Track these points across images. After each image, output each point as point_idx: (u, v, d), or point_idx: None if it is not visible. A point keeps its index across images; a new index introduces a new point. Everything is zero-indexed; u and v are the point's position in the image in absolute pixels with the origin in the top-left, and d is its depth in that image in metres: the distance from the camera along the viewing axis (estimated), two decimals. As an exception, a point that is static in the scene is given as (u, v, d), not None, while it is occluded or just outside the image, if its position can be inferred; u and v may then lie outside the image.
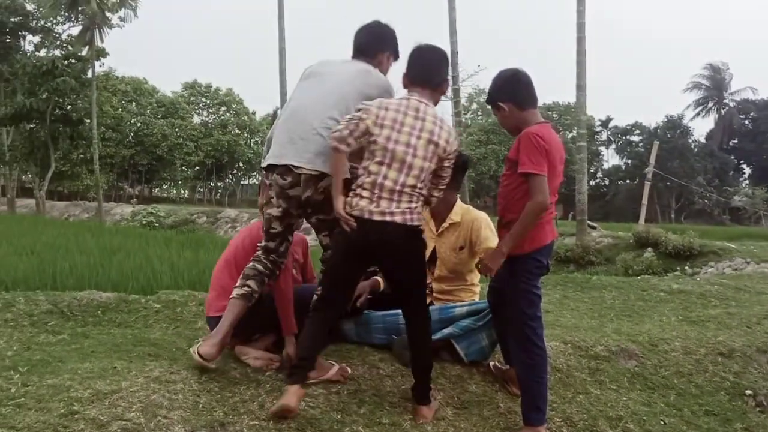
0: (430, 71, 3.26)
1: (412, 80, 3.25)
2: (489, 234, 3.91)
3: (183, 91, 69.53)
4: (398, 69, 3.46)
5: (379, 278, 3.95)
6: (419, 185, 3.07)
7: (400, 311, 3.83)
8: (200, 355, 3.14)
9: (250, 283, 3.36)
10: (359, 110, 3.10)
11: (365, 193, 3.03)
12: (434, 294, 4.05)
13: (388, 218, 2.99)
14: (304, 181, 3.19)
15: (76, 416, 2.62)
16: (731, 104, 62.33)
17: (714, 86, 62.16)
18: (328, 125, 3.17)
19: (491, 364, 3.82)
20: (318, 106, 3.26)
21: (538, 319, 3.26)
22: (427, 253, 3.96)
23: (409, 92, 3.22)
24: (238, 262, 3.65)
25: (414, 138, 3.06)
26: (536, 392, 3.25)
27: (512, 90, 3.31)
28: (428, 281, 4.00)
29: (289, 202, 3.26)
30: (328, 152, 3.13)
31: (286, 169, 3.21)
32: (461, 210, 4.04)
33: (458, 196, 4.16)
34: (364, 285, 3.84)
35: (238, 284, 3.37)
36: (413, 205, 3.06)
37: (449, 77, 3.38)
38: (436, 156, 3.10)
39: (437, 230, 4.04)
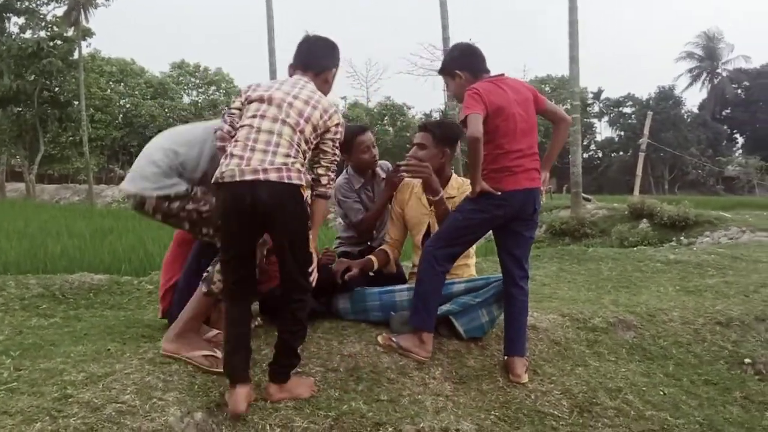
0: (312, 57, 3.22)
1: (295, 65, 3.22)
2: None
3: (171, 71, 68.85)
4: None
5: (372, 257, 3.89)
6: (296, 138, 2.87)
7: (395, 288, 3.80)
8: None
9: None
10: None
11: (237, 150, 2.81)
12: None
13: (261, 177, 2.74)
14: None
15: (69, 400, 2.58)
16: (724, 74, 62.07)
17: (707, 56, 61.79)
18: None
19: (380, 336, 3.61)
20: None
21: (444, 254, 3.44)
22: (422, 229, 3.92)
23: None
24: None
25: (290, 97, 2.95)
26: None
27: (469, 60, 3.50)
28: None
29: None
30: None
31: None
32: (456, 184, 3.95)
33: (452, 169, 4.08)
34: (356, 262, 3.79)
35: None
36: (291, 160, 2.81)
37: (335, 69, 3.28)
38: (310, 125, 2.93)
39: (431, 205, 3.88)
